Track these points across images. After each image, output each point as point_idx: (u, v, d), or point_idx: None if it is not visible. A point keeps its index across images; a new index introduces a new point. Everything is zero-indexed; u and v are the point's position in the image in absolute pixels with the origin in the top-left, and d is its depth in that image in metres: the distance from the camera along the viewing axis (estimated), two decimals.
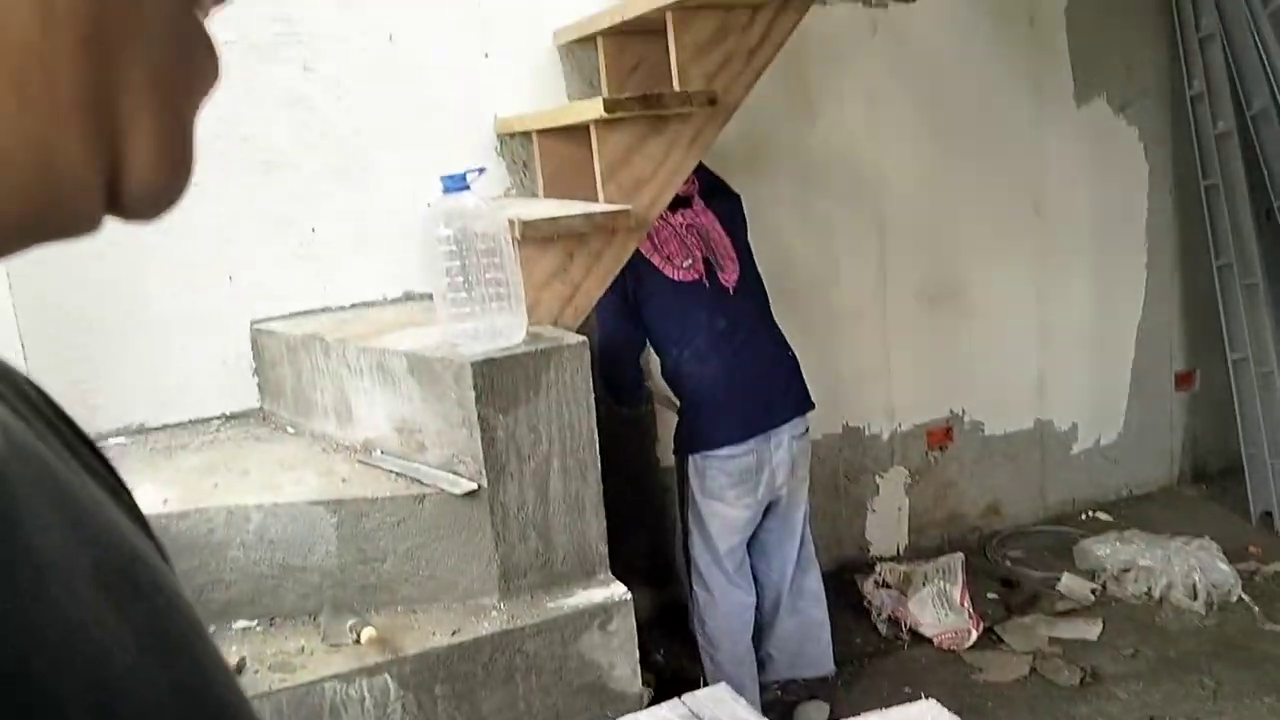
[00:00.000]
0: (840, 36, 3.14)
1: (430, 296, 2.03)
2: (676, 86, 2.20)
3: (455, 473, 1.89)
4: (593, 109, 2.17)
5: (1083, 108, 3.63)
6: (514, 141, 2.58)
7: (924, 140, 3.37)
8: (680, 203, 2.52)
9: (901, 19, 3.24)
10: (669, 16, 2.18)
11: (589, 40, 2.53)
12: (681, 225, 2.54)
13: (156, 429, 2.22)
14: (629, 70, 2.56)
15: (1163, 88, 3.74)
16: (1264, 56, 3.41)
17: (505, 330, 1.94)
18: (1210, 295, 3.74)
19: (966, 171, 3.45)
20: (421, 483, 1.89)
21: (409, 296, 2.46)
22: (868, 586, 3.23)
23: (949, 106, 3.39)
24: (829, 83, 3.18)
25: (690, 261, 2.52)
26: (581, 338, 1.93)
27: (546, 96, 2.60)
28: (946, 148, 3.41)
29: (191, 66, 0.32)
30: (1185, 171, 3.77)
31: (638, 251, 2.35)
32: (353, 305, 2.42)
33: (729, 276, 2.54)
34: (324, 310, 2.39)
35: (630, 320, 2.51)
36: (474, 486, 1.84)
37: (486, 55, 2.49)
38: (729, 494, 2.48)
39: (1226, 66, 3.54)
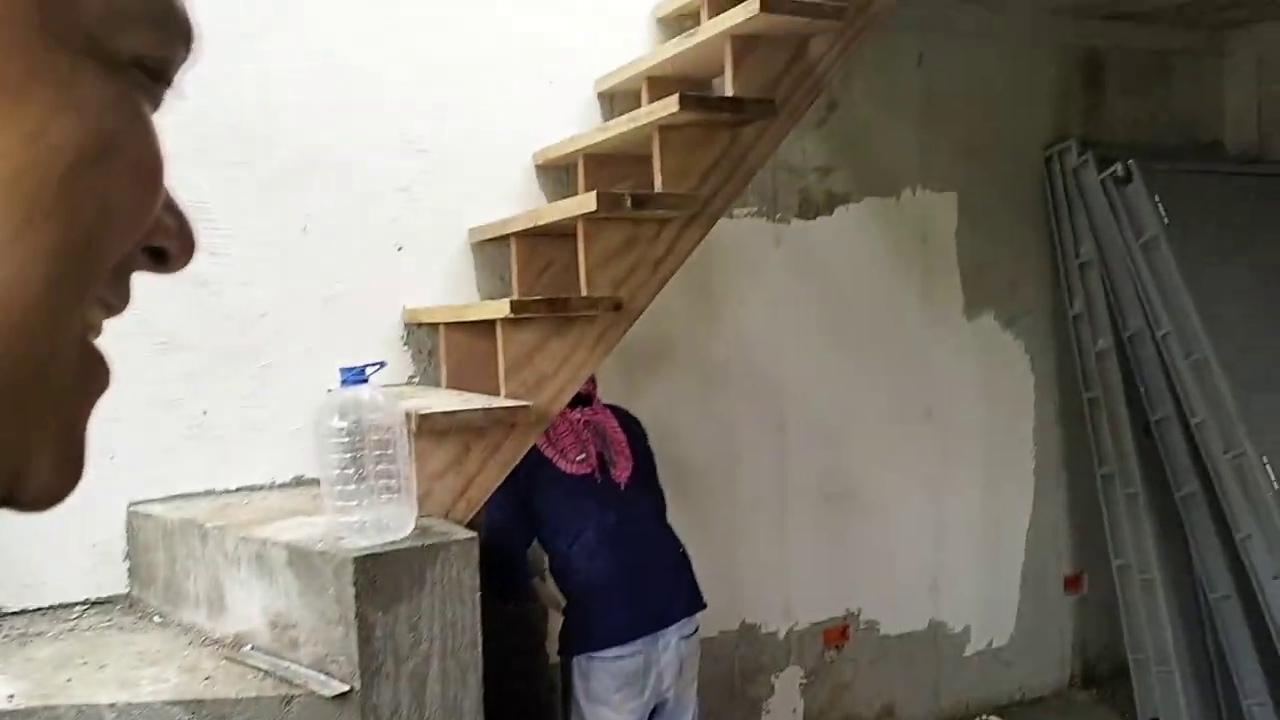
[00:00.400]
0: (745, 246, 3.31)
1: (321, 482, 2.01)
2: (584, 291, 2.28)
3: (327, 673, 1.83)
4: (499, 309, 2.23)
5: (972, 321, 3.83)
6: (421, 330, 2.62)
7: (823, 345, 3.51)
8: (580, 399, 2.56)
9: (804, 233, 3.43)
10: (580, 226, 2.29)
11: (503, 239, 2.62)
12: (579, 421, 2.58)
13: (14, 614, 2.11)
14: (540, 270, 2.65)
15: (1046, 306, 3.98)
16: (1137, 283, 3.67)
17: (393, 523, 1.92)
18: (1096, 500, 3.88)
19: (864, 376, 3.59)
20: (290, 682, 1.82)
21: (299, 481, 2.43)
22: None
23: (848, 314, 3.55)
24: (733, 288, 3.32)
25: (584, 456, 2.54)
26: (471, 533, 1.92)
27: (458, 288, 2.66)
28: (845, 352, 3.56)
29: (89, 385, 0.34)
30: (1069, 384, 3.98)
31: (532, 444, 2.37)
32: (239, 489, 2.37)
33: (621, 473, 2.57)
34: (208, 494, 2.34)
35: (520, 513, 2.51)
36: (345, 688, 1.78)
37: (400, 249, 2.56)
38: (614, 698, 2.43)
39: (1104, 290, 3.79)
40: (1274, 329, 3.65)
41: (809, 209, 3.42)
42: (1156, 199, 3.59)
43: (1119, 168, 3.63)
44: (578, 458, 2.54)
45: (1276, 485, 3.41)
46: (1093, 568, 4.09)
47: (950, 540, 3.83)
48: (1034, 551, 4.03)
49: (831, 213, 3.46)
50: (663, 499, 2.70)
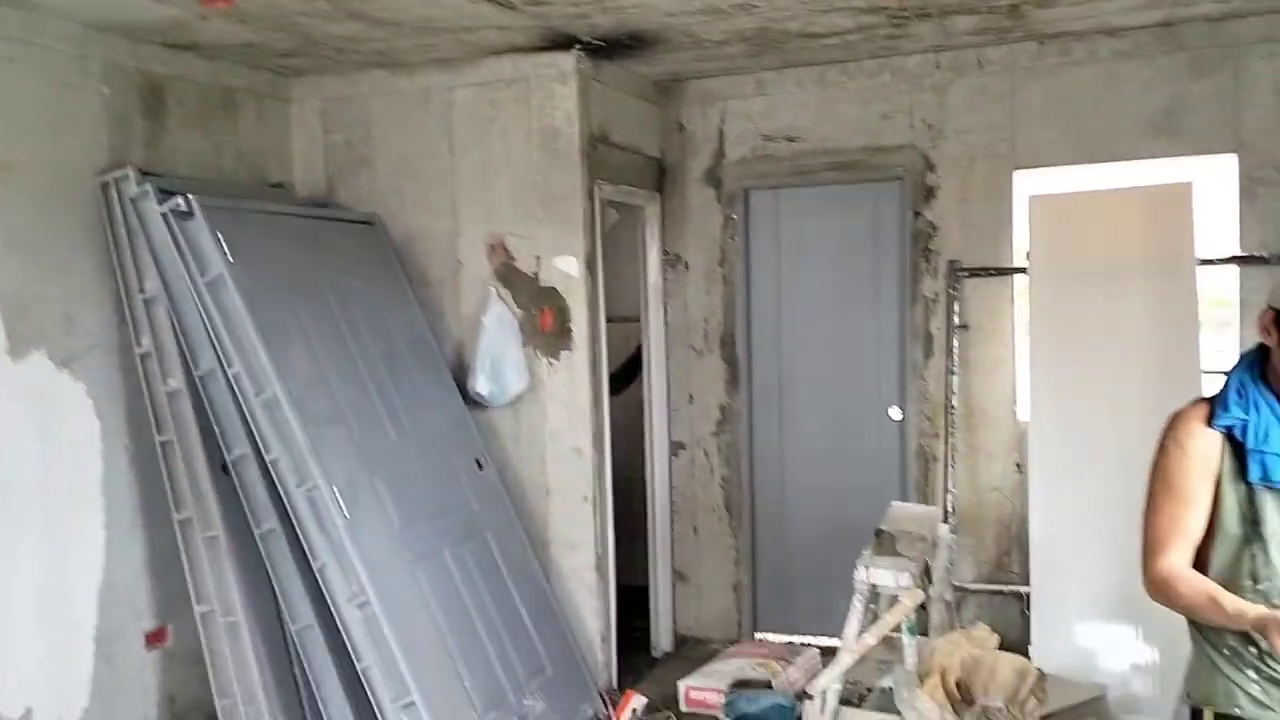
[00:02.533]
0: None
1: None
2: None
3: None
4: None
5: (19, 362, 3.34)
6: None
7: None
8: None
9: None
10: None
11: None
12: None
13: None
14: None
15: (111, 344, 3.67)
16: (206, 321, 3.58)
17: None
18: (177, 549, 3.69)
19: None
20: None
21: None
22: None
23: None
24: None
25: None
26: None
27: None
28: None
29: None
30: (142, 427, 3.72)
31: None
32: None
33: None
34: None
35: None
36: None
37: None
38: None
39: (173, 328, 3.63)
40: (337, 366, 3.88)
41: None
42: (220, 236, 3.55)
43: (180, 201, 3.50)
44: None
45: (346, 515, 3.60)
46: (179, 619, 3.90)
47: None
48: (108, 612, 3.68)
49: None
50: None
